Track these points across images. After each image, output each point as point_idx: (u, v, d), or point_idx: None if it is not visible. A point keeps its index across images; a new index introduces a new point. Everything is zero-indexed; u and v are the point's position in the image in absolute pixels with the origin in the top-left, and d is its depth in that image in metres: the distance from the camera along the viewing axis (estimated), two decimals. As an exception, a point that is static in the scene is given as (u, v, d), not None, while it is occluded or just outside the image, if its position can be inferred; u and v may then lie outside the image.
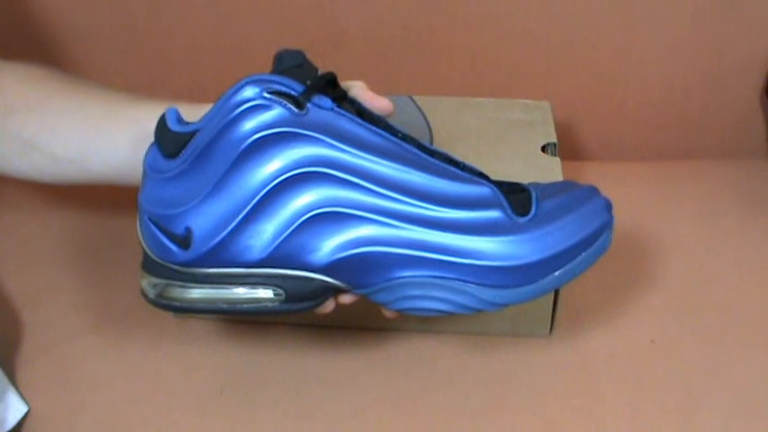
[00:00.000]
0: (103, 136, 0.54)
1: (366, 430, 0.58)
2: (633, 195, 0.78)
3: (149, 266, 0.50)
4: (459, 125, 0.71)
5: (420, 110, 0.72)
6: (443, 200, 0.48)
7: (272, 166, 0.47)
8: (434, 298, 0.49)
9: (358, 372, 0.61)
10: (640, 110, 0.84)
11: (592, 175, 0.79)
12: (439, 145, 0.68)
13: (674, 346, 0.63)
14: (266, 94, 0.47)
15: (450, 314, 0.50)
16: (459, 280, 0.48)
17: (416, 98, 0.73)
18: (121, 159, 0.53)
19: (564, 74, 0.83)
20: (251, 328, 0.64)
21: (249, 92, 0.47)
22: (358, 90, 0.52)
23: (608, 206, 0.51)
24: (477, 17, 0.80)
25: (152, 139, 0.50)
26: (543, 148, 0.68)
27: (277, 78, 0.47)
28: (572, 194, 0.51)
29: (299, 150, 0.47)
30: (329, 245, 0.48)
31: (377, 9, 0.80)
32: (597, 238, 0.50)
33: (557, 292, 0.62)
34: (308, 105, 0.48)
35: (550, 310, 0.63)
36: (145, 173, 0.49)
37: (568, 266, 0.49)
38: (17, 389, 0.59)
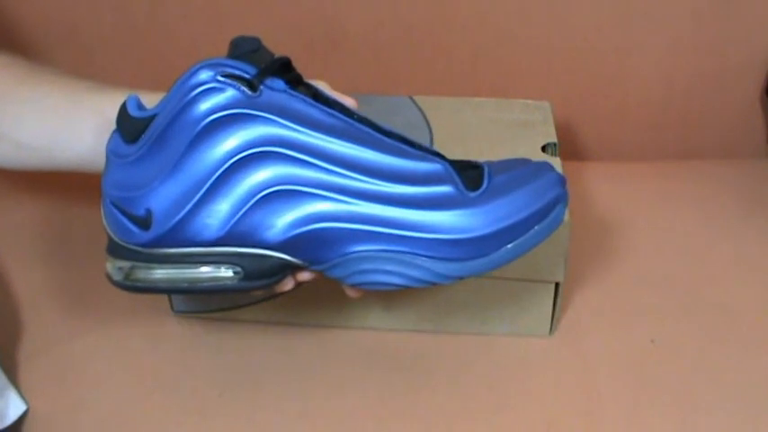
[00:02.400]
0: (67, 125, 0.55)
1: (366, 430, 0.57)
2: (633, 195, 0.78)
3: (113, 250, 0.51)
4: (460, 125, 0.71)
5: (420, 110, 0.72)
6: (395, 176, 0.49)
7: (226, 146, 0.48)
8: (388, 272, 0.50)
9: (358, 372, 0.61)
10: (640, 110, 0.84)
11: (592, 175, 0.79)
12: (439, 145, 0.68)
13: (674, 346, 0.63)
14: (220, 77, 0.48)
15: (405, 287, 0.51)
16: (410, 253, 0.49)
17: (416, 98, 0.73)
18: (85, 148, 0.54)
19: (564, 74, 0.83)
20: (251, 328, 0.64)
21: (203, 75, 0.48)
22: (322, 87, 0.53)
23: (561, 181, 0.52)
24: (477, 17, 0.80)
25: (114, 127, 0.52)
26: (543, 148, 0.68)
27: (230, 62, 0.49)
28: (524, 169, 0.52)
29: (252, 130, 0.48)
30: (284, 222, 0.49)
31: (377, 9, 0.80)
32: (550, 211, 0.51)
33: (557, 293, 0.62)
34: (262, 87, 0.49)
35: (550, 310, 0.63)
36: (107, 159, 0.51)
37: (521, 239, 0.50)
38: (17, 388, 0.59)
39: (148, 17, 0.81)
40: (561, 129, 0.73)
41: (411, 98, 0.73)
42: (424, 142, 0.68)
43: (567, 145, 0.80)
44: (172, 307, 0.65)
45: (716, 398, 0.59)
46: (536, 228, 0.50)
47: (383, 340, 0.64)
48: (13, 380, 0.60)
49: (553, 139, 0.69)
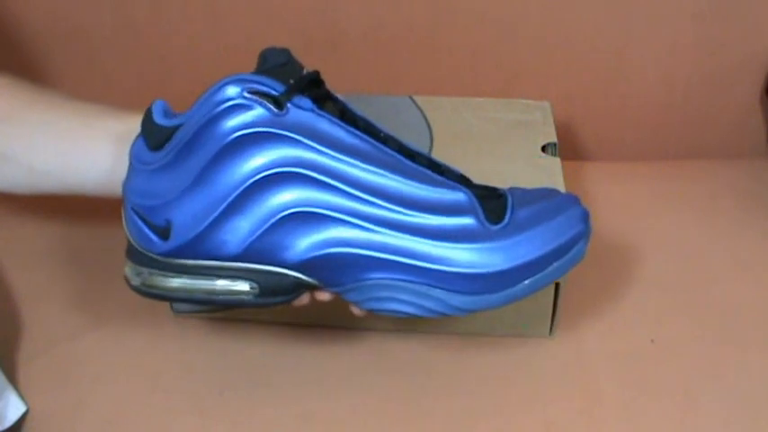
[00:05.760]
0: (82, 150, 0.54)
1: (366, 430, 0.58)
2: (633, 195, 0.78)
3: (132, 254, 0.51)
4: (460, 125, 0.71)
5: (420, 110, 0.72)
6: (417, 204, 0.49)
7: (249, 164, 0.48)
8: (402, 300, 0.50)
9: (358, 372, 0.61)
10: (640, 110, 0.84)
11: (592, 175, 0.79)
12: (439, 145, 0.68)
13: (674, 346, 0.63)
14: (246, 94, 0.48)
15: (418, 317, 0.51)
16: (426, 284, 0.49)
17: (416, 98, 0.73)
18: (100, 173, 0.54)
19: (564, 74, 0.83)
20: (251, 328, 0.64)
21: (230, 91, 0.48)
22: None
23: (584, 217, 0.51)
24: (477, 17, 0.80)
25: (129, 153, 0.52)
26: (543, 148, 0.68)
27: (258, 78, 0.48)
28: (549, 203, 0.51)
29: (276, 151, 0.48)
30: (303, 244, 0.49)
31: (377, 9, 0.80)
32: (570, 248, 0.50)
33: (557, 293, 0.62)
34: (288, 105, 0.48)
35: (550, 311, 0.63)
36: (130, 163, 0.50)
37: (539, 276, 0.50)
38: (16, 388, 0.59)
39: (148, 17, 0.81)
40: (561, 129, 0.73)
41: (411, 98, 0.73)
42: (425, 143, 0.68)
43: (567, 145, 0.80)
44: (172, 307, 0.65)
45: (716, 398, 0.59)
46: (555, 264, 0.50)
47: (383, 340, 0.64)
48: (13, 380, 0.60)
49: (553, 139, 0.69)
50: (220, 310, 0.65)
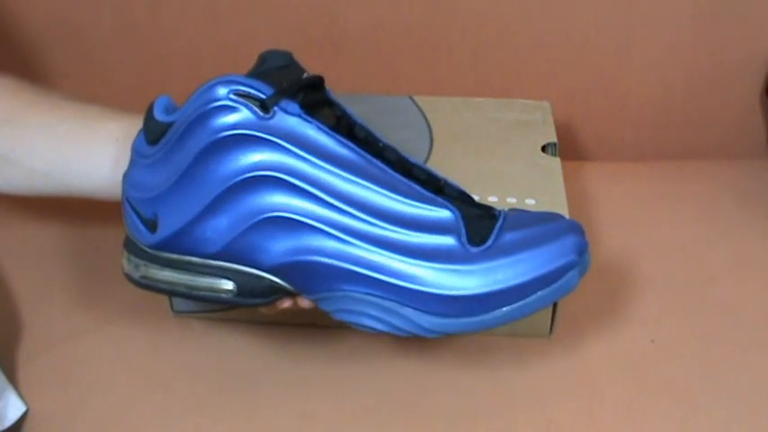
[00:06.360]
0: (82, 152, 0.55)
1: (366, 430, 0.57)
2: (633, 195, 0.78)
3: (128, 244, 0.53)
4: (460, 125, 0.71)
5: (420, 110, 0.72)
6: (398, 220, 0.49)
7: (231, 165, 0.48)
8: (371, 315, 0.50)
9: (358, 372, 0.61)
10: (640, 110, 0.84)
11: (592, 175, 0.79)
12: (439, 145, 0.68)
13: (674, 346, 0.63)
14: (233, 96, 0.48)
15: (388, 333, 0.50)
16: (396, 302, 0.49)
17: (416, 98, 0.73)
18: (101, 176, 0.54)
19: (564, 74, 0.83)
20: (251, 328, 0.64)
21: (218, 91, 0.48)
22: None
23: (579, 247, 0.49)
24: (477, 17, 0.80)
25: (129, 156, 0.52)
26: (543, 148, 0.68)
27: (247, 81, 0.48)
28: (544, 228, 0.50)
29: (258, 154, 0.48)
30: (278, 248, 0.49)
31: (377, 9, 0.80)
32: (558, 278, 0.48)
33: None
34: (275, 109, 0.48)
35: (550, 311, 0.63)
36: (131, 156, 0.51)
37: (519, 304, 0.48)
38: (16, 388, 0.59)
39: (148, 17, 0.81)
40: (561, 129, 0.73)
41: (411, 98, 0.74)
42: (425, 143, 0.68)
43: (567, 145, 0.80)
44: (172, 307, 0.65)
45: (716, 398, 0.59)
46: (539, 293, 0.48)
47: (383, 340, 0.63)
48: (13, 380, 0.60)
49: (553, 139, 0.69)
50: (218, 310, 0.65)
